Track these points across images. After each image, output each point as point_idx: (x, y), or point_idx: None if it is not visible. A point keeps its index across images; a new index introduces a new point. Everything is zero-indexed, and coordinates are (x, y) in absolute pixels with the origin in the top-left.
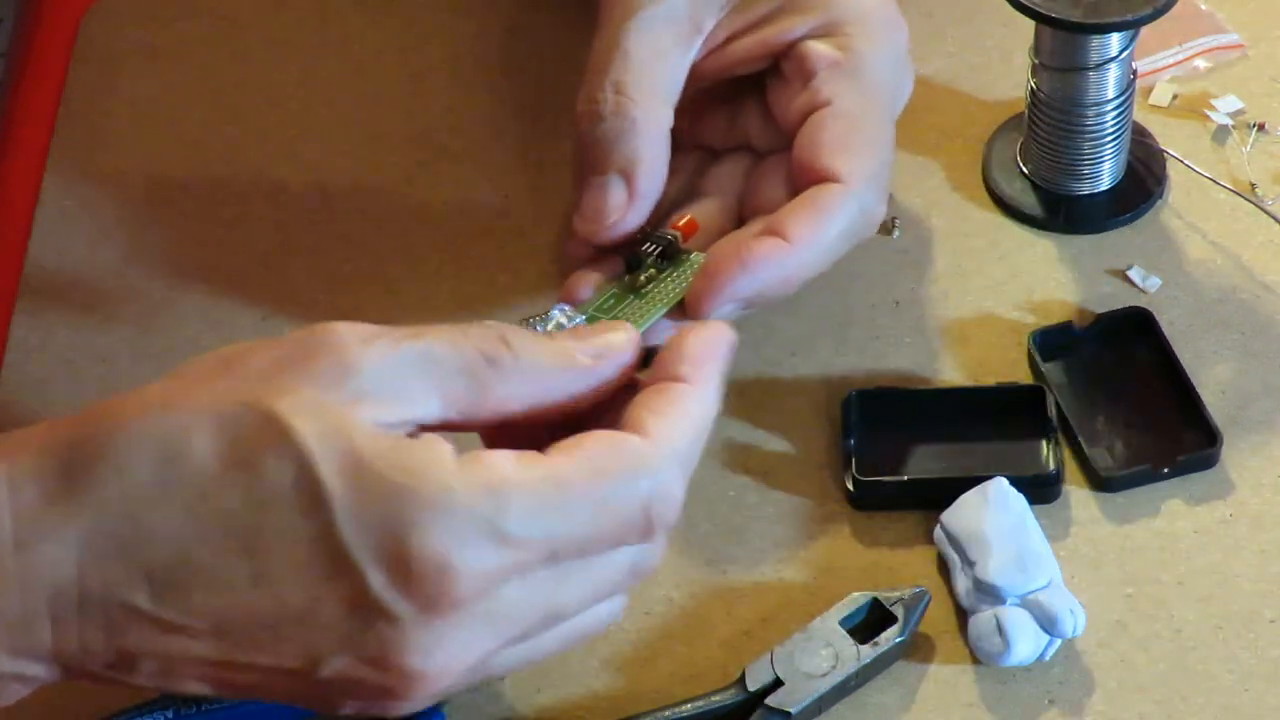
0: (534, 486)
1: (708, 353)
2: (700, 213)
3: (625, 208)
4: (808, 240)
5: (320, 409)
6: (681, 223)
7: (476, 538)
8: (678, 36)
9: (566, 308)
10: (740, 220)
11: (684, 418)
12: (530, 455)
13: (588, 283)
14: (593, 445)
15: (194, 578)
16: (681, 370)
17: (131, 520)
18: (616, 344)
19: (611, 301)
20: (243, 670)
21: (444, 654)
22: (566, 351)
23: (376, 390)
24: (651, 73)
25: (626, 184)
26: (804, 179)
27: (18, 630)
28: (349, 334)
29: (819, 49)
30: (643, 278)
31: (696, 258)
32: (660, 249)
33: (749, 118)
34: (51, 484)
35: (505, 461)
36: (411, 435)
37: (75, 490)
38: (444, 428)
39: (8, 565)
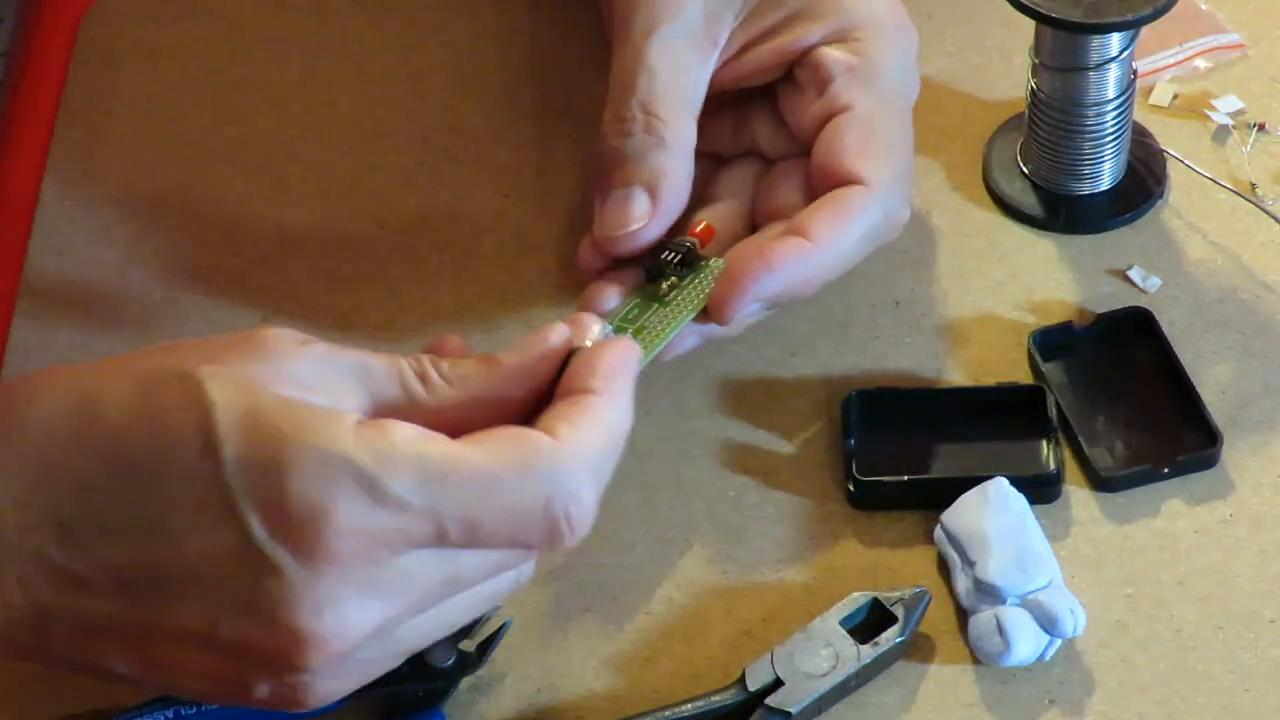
0: (425, 456)
1: (618, 366)
2: (713, 218)
3: (648, 218)
4: (831, 239)
5: (238, 378)
6: (698, 229)
7: (353, 491)
8: (698, 51)
9: (594, 318)
10: (753, 226)
11: (597, 427)
12: (434, 434)
13: (609, 293)
14: (498, 436)
15: (97, 526)
16: (593, 383)
17: (46, 466)
18: (541, 338)
19: (635, 311)
20: (152, 640)
21: (335, 616)
22: (492, 357)
23: (305, 380)
24: (677, 89)
25: (650, 197)
26: (825, 183)
27: None
28: (287, 334)
29: (835, 55)
30: (664, 286)
31: (716, 263)
32: (680, 256)
33: (758, 124)
34: None
35: (405, 430)
36: None
37: (3, 438)
38: None
39: None
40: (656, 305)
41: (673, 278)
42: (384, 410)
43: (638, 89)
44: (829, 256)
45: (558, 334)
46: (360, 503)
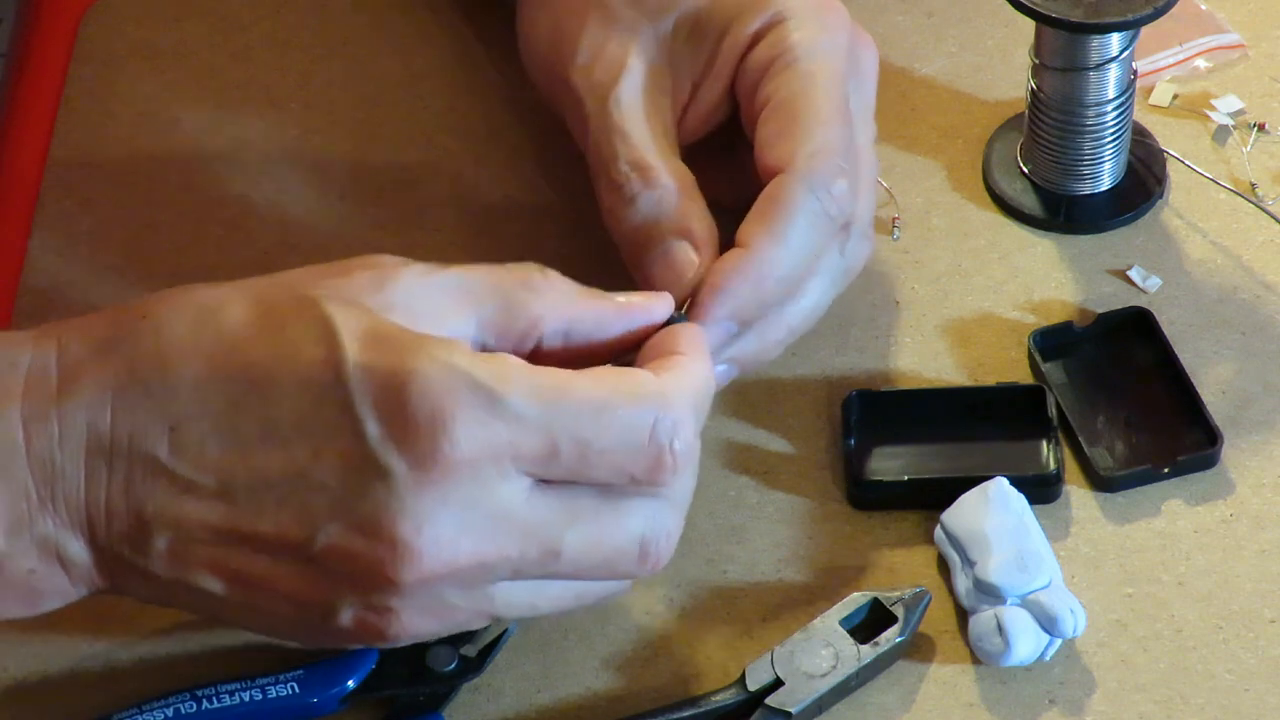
0: (540, 376)
1: (697, 340)
2: None
3: (698, 262)
4: (766, 238)
5: (352, 302)
6: None
7: (472, 401)
8: (655, 98)
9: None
10: None
11: (691, 376)
12: (547, 367)
13: None
14: (605, 369)
15: (209, 429)
16: (679, 349)
17: (161, 369)
18: (649, 297)
19: None
20: (247, 551)
21: (435, 534)
22: (598, 291)
23: (408, 303)
24: (652, 136)
25: (688, 241)
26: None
27: (56, 483)
28: (388, 258)
29: (754, 58)
30: None
31: None
32: None
33: (748, 165)
34: (98, 338)
35: (519, 360)
36: None
37: (117, 342)
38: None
39: (50, 410)
40: None
41: None
42: (487, 323)
43: (619, 152)
44: (773, 257)
45: (663, 303)
46: (478, 412)
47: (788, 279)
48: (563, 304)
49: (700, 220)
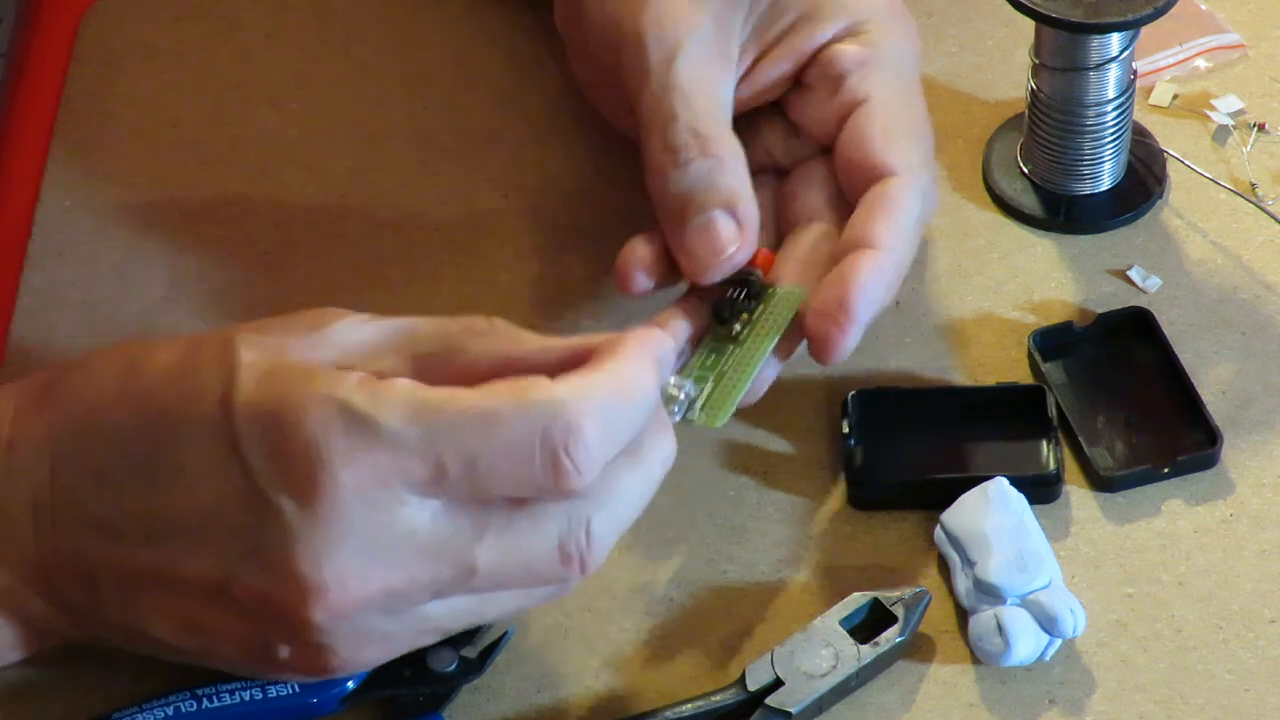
0: (418, 395)
1: (637, 341)
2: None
3: (738, 239)
4: (894, 238)
5: (271, 343)
6: (758, 258)
7: (346, 429)
8: (718, 66)
9: (671, 378)
10: (778, 236)
11: (603, 375)
12: (437, 386)
13: (680, 324)
14: (498, 382)
15: (128, 476)
16: (615, 354)
17: (91, 419)
18: (603, 336)
19: (713, 358)
20: (182, 595)
21: (335, 567)
22: (548, 337)
23: (342, 343)
24: (714, 106)
25: (733, 217)
26: (857, 178)
27: (10, 536)
28: (332, 309)
29: (846, 50)
30: (736, 326)
31: (785, 290)
32: (747, 290)
33: (769, 135)
34: (39, 395)
35: (406, 381)
36: None
37: (55, 396)
38: None
39: (1, 466)
40: (733, 347)
41: (743, 314)
42: (423, 367)
43: (678, 116)
44: (898, 256)
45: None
46: (354, 440)
47: (902, 279)
48: (503, 345)
49: (747, 197)
